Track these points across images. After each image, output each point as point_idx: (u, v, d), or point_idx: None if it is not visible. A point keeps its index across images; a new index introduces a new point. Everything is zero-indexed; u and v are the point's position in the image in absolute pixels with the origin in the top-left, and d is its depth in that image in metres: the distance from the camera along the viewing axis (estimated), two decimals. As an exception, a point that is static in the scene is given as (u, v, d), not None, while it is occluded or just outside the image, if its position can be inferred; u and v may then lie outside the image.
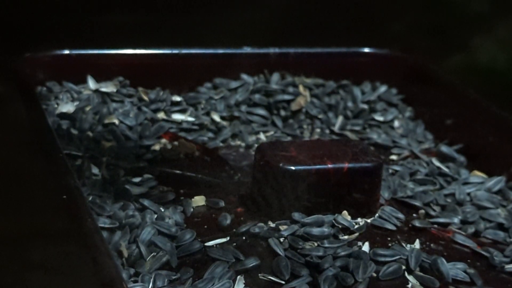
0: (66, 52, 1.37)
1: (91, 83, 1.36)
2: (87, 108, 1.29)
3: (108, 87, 1.36)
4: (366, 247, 1.01)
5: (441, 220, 1.09)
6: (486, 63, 1.68)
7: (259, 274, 0.95)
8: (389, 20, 1.65)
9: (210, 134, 1.30)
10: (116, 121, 1.27)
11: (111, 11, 1.24)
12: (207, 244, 0.99)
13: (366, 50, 1.52)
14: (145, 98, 1.35)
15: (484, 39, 1.66)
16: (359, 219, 1.06)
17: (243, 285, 0.93)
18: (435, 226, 1.08)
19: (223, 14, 1.37)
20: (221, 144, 1.28)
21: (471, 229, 1.08)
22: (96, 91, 1.34)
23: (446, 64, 1.64)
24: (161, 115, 1.32)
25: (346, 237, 1.03)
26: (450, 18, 1.73)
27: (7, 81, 1.06)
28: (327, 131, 1.35)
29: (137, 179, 1.12)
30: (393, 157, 1.26)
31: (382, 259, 0.99)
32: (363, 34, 1.55)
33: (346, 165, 1.05)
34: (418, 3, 1.73)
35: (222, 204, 1.08)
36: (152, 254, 0.97)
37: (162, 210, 1.05)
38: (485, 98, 1.38)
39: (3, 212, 1.03)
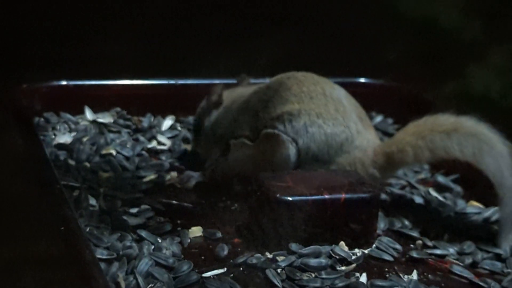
0: (64, 83, 1.38)
1: (88, 114, 1.36)
2: (84, 139, 1.30)
3: (105, 118, 1.36)
4: (363, 278, 1.00)
5: (439, 251, 1.09)
6: (481, 91, 1.68)
7: (257, 306, 0.95)
8: (383, 50, 1.66)
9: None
10: (113, 152, 1.27)
11: (107, 42, 1.24)
12: (204, 275, 0.99)
13: (362, 80, 1.53)
14: (139, 125, 1.36)
15: (478, 66, 1.67)
16: (356, 250, 1.06)
17: (241, 317, 0.93)
18: (433, 257, 1.08)
19: (220, 45, 1.38)
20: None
21: (468, 260, 1.08)
22: (93, 121, 1.35)
23: (441, 92, 1.65)
24: (153, 144, 1.33)
25: (343, 268, 1.03)
26: (443, 46, 1.74)
27: (5, 111, 1.06)
28: (324, 161, 1.35)
29: (134, 210, 1.12)
30: (390, 187, 1.26)
31: (380, 290, 0.99)
32: (358, 65, 1.55)
33: (343, 195, 1.06)
34: (412, 32, 1.74)
35: (219, 234, 1.08)
36: (150, 285, 0.96)
37: (160, 241, 1.05)
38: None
39: (1, 242, 1.03)
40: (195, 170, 1.24)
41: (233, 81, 1.34)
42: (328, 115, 1.17)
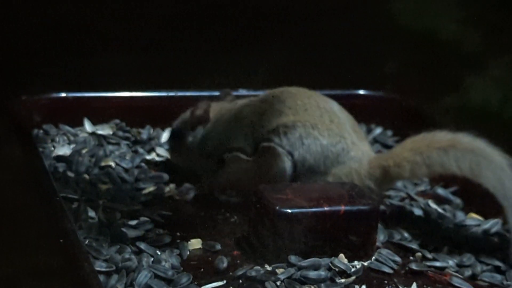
0: (63, 94, 1.38)
1: (88, 126, 1.36)
2: (84, 151, 1.30)
3: (104, 130, 1.36)
4: (363, 291, 1.01)
5: (438, 263, 1.09)
6: (480, 102, 1.69)
7: (257, 318, 0.95)
8: (383, 62, 1.66)
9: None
10: (113, 164, 1.27)
11: (107, 55, 1.25)
12: (203, 287, 0.99)
13: (361, 92, 1.53)
14: (138, 137, 1.36)
15: (477, 78, 1.68)
16: (355, 262, 1.06)
17: (240, 330, 0.92)
18: (432, 269, 1.08)
19: (219, 57, 1.38)
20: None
21: (468, 272, 1.08)
22: (93, 133, 1.35)
23: (440, 103, 1.65)
24: (153, 155, 1.33)
25: (343, 280, 1.02)
26: (443, 58, 1.74)
27: (4, 123, 1.06)
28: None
29: (133, 222, 1.12)
30: (389, 199, 1.26)
31: (380, 302, 0.99)
32: (358, 76, 1.56)
33: (343, 207, 1.05)
34: (411, 44, 1.75)
35: (218, 247, 1.08)
36: (149, 298, 0.96)
37: (159, 253, 1.05)
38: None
39: (0, 254, 1.03)
40: (191, 182, 1.24)
41: (233, 92, 1.34)
42: (323, 126, 1.17)
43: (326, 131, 1.17)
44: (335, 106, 1.22)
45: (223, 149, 1.23)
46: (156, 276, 1.00)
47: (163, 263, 1.03)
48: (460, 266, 1.10)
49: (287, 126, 1.17)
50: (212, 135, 1.26)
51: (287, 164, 1.17)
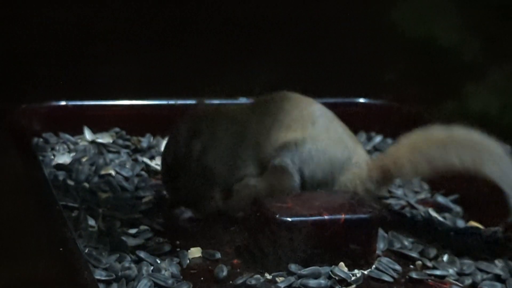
0: (63, 103, 1.38)
1: (88, 134, 1.36)
2: (84, 159, 1.30)
3: (104, 138, 1.36)
4: (363, 299, 1.01)
5: (438, 271, 1.09)
6: (480, 110, 1.69)
7: (256, 327, 0.95)
8: (382, 70, 1.66)
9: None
10: (113, 172, 1.27)
11: (107, 63, 1.25)
12: (203, 296, 0.99)
13: (361, 100, 1.53)
14: (138, 146, 1.36)
15: (477, 86, 1.67)
16: (356, 271, 1.06)
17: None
18: (432, 277, 1.08)
19: (220, 65, 1.38)
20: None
21: (468, 281, 1.08)
22: (93, 142, 1.35)
23: (440, 111, 1.65)
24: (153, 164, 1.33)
25: (343, 289, 1.03)
26: (443, 66, 1.74)
27: (4, 132, 1.06)
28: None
29: (133, 231, 1.12)
30: (389, 208, 1.26)
31: (380, 311, 0.99)
32: (358, 85, 1.56)
33: (343, 216, 1.05)
34: (411, 52, 1.75)
35: (218, 255, 1.08)
36: (149, 307, 0.96)
37: (159, 261, 1.05)
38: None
39: (-2, 263, 1.03)
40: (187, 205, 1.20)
41: (233, 101, 1.34)
42: (331, 137, 1.17)
43: (333, 142, 1.17)
44: (331, 112, 1.21)
45: (231, 179, 1.18)
46: (156, 284, 1.00)
47: (163, 271, 1.03)
48: (460, 274, 1.10)
49: (297, 144, 1.15)
50: (216, 164, 1.19)
51: (297, 182, 1.16)
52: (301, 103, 1.20)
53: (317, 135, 1.17)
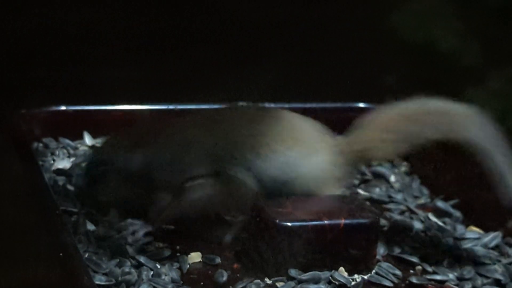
0: (63, 108, 1.38)
1: (87, 139, 1.36)
2: (84, 164, 1.29)
3: (104, 143, 1.36)
4: (363, 304, 1.01)
5: (438, 276, 1.09)
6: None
7: (256, 332, 0.95)
8: (382, 74, 1.66)
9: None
10: (112, 177, 1.27)
11: (107, 68, 1.25)
12: (203, 301, 0.99)
13: (361, 105, 1.53)
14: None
15: (477, 90, 1.68)
16: (356, 276, 1.06)
17: None
18: (432, 282, 1.08)
19: (218, 69, 1.39)
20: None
21: (468, 286, 1.08)
22: (93, 147, 1.35)
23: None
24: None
25: (343, 294, 1.03)
26: (442, 70, 1.74)
27: (3, 137, 1.06)
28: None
29: (133, 235, 1.12)
30: (389, 212, 1.26)
31: (380, 316, 0.99)
32: (358, 89, 1.56)
33: (343, 221, 1.05)
34: (411, 57, 1.75)
35: (218, 260, 1.08)
36: (149, 312, 0.96)
37: (159, 266, 1.05)
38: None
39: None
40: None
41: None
42: (285, 137, 1.13)
43: (296, 149, 1.13)
44: (286, 112, 1.17)
45: (180, 176, 1.13)
46: (156, 289, 1.00)
47: (163, 276, 1.03)
48: (460, 279, 1.10)
49: (259, 154, 1.12)
50: (166, 163, 1.15)
51: (253, 191, 1.12)
52: (267, 111, 1.17)
53: (270, 136, 1.12)
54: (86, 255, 1.04)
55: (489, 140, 1.09)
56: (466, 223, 1.25)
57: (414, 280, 1.07)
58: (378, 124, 1.13)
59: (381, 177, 1.37)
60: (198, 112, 1.21)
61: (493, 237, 1.19)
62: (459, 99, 1.53)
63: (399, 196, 1.32)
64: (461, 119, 1.11)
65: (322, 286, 1.02)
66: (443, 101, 1.12)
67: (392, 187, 1.35)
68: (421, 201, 1.32)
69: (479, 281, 1.09)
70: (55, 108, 1.38)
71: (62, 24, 1.44)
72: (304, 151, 1.13)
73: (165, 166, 1.15)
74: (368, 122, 1.15)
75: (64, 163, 1.29)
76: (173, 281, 1.02)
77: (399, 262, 1.12)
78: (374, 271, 1.07)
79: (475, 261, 1.13)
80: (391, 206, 1.28)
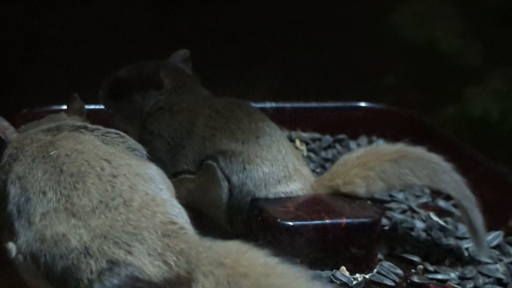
0: (64, 107, 1.37)
1: (89, 138, 1.36)
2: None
3: (105, 142, 1.36)
4: (365, 303, 1.00)
5: (440, 275, 1.09)
6: (480, 115, 1.69)
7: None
8: (383, 74, 1.66)
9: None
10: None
11: (109, 66, 1.25)
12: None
13: (362, 104, 1.53)
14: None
15: (478, 90, 1.67)
16: (357, 275, 1.06)
17: None
18: (434, 281, 1.08)
19: (221, 70, 1.39)
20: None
21: (469, 285, 1.08)
22: (94, 146, 1.34)
23: (440, 115, 1.65)
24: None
25: (344, 293, 1.03)
26: (443, 70, 1.74)
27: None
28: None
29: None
30: (391, 212, 1.26)
31: (381, 315, 0.99)
32: (359, 89, 1.56)
33: (344, 220, 1.05)
34: (411, 57, 1.75)
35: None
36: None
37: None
38: (479, 151, 1.38)
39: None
40: None
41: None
42: (270, 156, 1.12)
43: (271, 161, 1.11)
44: (280, 133, 1.17)
45: (170, 166, 1.14)
46: None
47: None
48: (462, 278, 1.10)
49: (235, 153, 1.11)
50: (162, 148, 1.16)
51: (225, 190, 1.11)
52: (254, 114, 1.16)
53: (257, 151, 1.12)
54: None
55: (462, 193, 1.12)
56: (468, 222, 1.25)
57: (415, 279, 1.07)
58: (359, 162, 1.14)
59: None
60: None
61: (495, 237, 1.19)
62: (460, 99, 1.54)
63: (400, 196, 1.32)
64: (438, 170, 1.12)
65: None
66: (421, 149, 1.14)
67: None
68: (423, 200, 1.32)
69: (480, 280, 1.09)
70: (56, 107, 1.37)
71: (64, 23, 1.44)
72: (289, 174, 1.12)
73: (164, 153, 1.16)
74: (347, 160, 1.15)
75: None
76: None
77: (400, 261, 1.12)
78: (375, 270, 1.07)
79: (477, 260, 1.13)
80: (392, 205, 1.28)
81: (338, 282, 1.03)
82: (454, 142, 1.45)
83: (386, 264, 1.08)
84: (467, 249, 1.16)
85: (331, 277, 1.03)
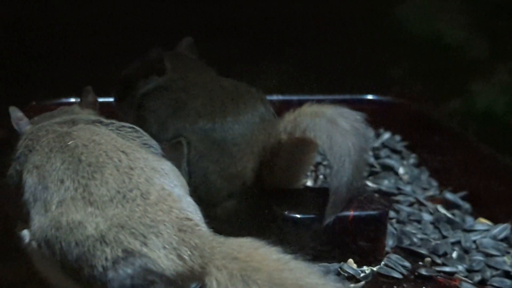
0: (72, 100, 1.38)
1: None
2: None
3: (113, 135, 1.36)
4: (372, 296, 1.01)
5: (447, 268, 1.09)
6: (485, 107, 1.69)
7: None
8: (390, 67, 1.66)
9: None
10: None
11: (117, 60, 1.25)
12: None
13: (369, 97, 1.53)
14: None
15: (483, 83, 1.67)
16: (365, 267, 1.06)
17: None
18: (441, 274, 1.08)
19: (230, 62, 1.39)
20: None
21: (477, 277, 1.08)
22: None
23: (447, 108, 1.65)
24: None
25: (352, 285, 1.03)
26: (449, 63, 1.74)
27: (14, 129, 1.06)
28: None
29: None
30: (398, 204, 1.26)
31: (389, 307, 0.99)
32: (366, 82, 1.56)
33: (352, 213, 1.05)
34: (418, 51, 1.75)
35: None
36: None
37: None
38: (486, 144, 1.38)
39: (4, 262, 1.03)
40: None
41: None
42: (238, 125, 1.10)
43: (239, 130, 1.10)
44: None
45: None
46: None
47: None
48: (469, 271, 1.10)
49: (196, 123, 1.10)
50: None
51: (184, 155, 1.10)
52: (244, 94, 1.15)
53: (223, 123, 1.10)
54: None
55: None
56: (475, 215, 1.25)
57: (423, 271, 1.07)
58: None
59: (389, 169, 1.37)
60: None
61: (502, 229, 1.19)
62: (466, 92, 1.54)
63: (408, 188, 1.32)
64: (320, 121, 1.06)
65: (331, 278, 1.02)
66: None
67: (401, 179, 1.35)
68: (430, 193, 1.32)
69: (488, 272, 1.09)
70: (65, 100, 1.38)
71: (74, 15, 1.44)
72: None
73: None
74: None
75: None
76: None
77: (408, 254, 1.12)
78: (383, 262, 1.08)
79: (484, 253, 1.13)
80: (400, 198, 1.28)
81: (346, 274, 1.03)
82: (460, 134, 1.45)
83: (394, 256, 1.09)
84: (474, 241, 1.16)
85: (339, 269, 1.04)
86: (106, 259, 0.84)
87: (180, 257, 0.85)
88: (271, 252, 0.86)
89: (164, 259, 0.84)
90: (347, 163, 1.01)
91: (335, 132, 1.03)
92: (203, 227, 0.89)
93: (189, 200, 0.91)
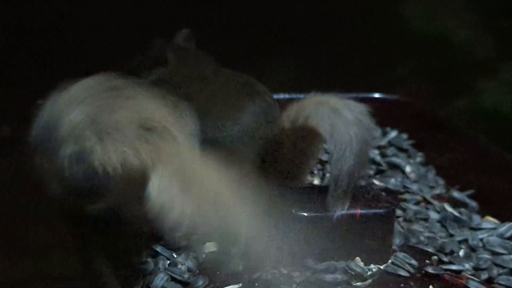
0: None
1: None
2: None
3: (119, 132, 1.36)
4: (379, 294, 1.01)
5: (454, 266, 1.09)
6: (492, 106, 1.69)
7: (272, 322, 0.95)
8: (397, 66, 1.66)
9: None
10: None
11: (122, 57, 1.25)
12: (219, 290, 0.99)
13: (376, 95, 1.53)
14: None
15: (489, 82, 1.68)
16: (372, 266, 1.06)
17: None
18: (448, 272, 1.08)
19: (236, 61, 1.39)
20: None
21: (484, 276, 1.08)
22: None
23: (453, 107, 1.65)
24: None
25: (359, 283, 1.03)
26: (455, 62, 1.74)
27: (21, 128, 1.07)
28: (338, 176, 1.34)
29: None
30: (405, 203, 1.26)
31: (396, 306, 0.99)
32: (373, 80, 1.56)
33: (359, 211, 1.05)
34: (424, 49, 1.75)
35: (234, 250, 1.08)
36: (165, 301, 0.97)
37: (175, 256, 1.05)
38: (492, 142, 1.38)
39: (12, 258, 1.03)
40: None
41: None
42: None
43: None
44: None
45: None
46: (173, 279, 1.00)
47: (179, 266, 1.03)
48: (476, 269, 1.10)
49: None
50: None
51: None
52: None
53: (225, 120, 1.09)
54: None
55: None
56: (482, 213, 1.25)
57: (430, 270, 1.07)
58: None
59: (396, 168, 1.37)
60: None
61: (509, 227, 1.18)
62: (472, 91, 1.54)
63: (414, 187, 1.31)
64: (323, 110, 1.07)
65: (338, 276, 1.02)
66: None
67: (407, 177, 1.35)
68: (437, 191, 1.32)
69: (495, 271, 1.09)
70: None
71: (78, 15, 1.44)
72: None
73: None
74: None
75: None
76: (189, 270, 1.03)
77: (415, 252, 1.11)
78: (390, 261, 1.07)
79: (491, 251, 1.13)
80: (406, 196, 1.28)
81: (353, 272, 1.03)
82: (467, 133, 1.45)
83: (401, 255, 1.08)
84: (481, 240, 1.16)
85: (346, 267, 1.03)
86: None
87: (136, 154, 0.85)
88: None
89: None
90: (348, 152, 1.02)
91: (337, 121, 1.03)
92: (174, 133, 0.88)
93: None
